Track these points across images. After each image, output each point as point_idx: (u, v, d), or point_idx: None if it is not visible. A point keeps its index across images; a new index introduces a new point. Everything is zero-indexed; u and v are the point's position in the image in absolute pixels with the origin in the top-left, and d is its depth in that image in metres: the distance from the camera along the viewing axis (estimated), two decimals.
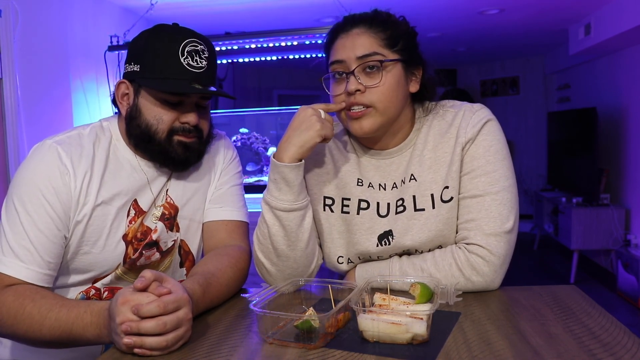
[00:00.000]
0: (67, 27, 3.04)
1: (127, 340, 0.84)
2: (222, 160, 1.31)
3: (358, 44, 1.13)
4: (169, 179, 1.23)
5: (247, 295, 1.16)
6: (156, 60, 1.11)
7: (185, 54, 1.10)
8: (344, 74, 1.14)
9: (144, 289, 0.88)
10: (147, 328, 0.84)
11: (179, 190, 1.24)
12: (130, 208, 1.16)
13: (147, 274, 0.89)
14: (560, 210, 4.72)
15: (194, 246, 1.27)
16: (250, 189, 3.25)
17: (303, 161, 1.12)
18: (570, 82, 5.76)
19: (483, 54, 6.34)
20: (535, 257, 5.45)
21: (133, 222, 1.16)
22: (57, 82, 3.00)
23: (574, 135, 4.86)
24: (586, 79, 5.29)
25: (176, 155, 1.15)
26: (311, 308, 0.93)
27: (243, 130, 3.76)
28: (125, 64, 1.17)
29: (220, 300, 1.10)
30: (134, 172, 1.17)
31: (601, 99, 4.82)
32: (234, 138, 3.68)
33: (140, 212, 1.17)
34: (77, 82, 3.12)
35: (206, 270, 1.10)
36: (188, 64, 1.10)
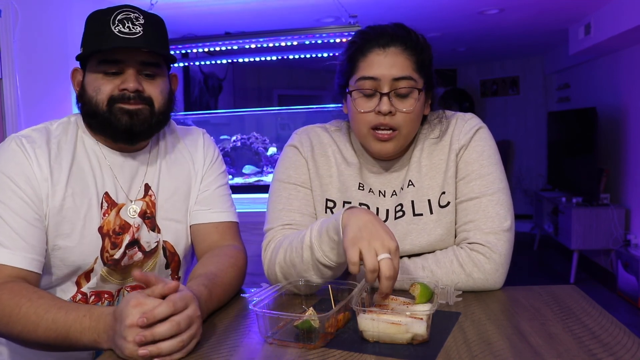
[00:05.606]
0: (67, 27, 3.04)
1: (142, 351, 0.81)
2: (204, 160, 1.29)
3: (397, 64, 1.12)
4: (139, 169, 1.20)
5: (247, 295, 1.16)
6: (91, 36, 1.12)
7: (117, 22, 1.10)
8: (377, 93, 1.13)
9: (142, 279, 0.89)
10: (162, 332, 0.82)
11: (157, 187, 1.22)
12: (102, 200, 1.15)
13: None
14: (560, 210, 4.71)
15: (179, 247, 1.24)
16: (250, 189, 3.25)
17: None
18: (570, 82, 5.76)
19: (483, 54, 6.34)
20: (535, 257, 5.44)
21: (107, 215, 1.15)
22: (57, 82, 3.00)
23: (573, 135, 4.85)
24: (586, 79, 5.29)
25: (119, 124, 1.11)
26: (311, 308, 0.93)
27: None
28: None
29: (225, 300, 1.10)
30: (99, 163, 1.16)
31: (601, 99, 4.82)
32: (233, 138, 3.67)
33: (112, 204, 1.16)
34: None
35: (208, 272, 1.09)
36: (119, 31, 1.09)
